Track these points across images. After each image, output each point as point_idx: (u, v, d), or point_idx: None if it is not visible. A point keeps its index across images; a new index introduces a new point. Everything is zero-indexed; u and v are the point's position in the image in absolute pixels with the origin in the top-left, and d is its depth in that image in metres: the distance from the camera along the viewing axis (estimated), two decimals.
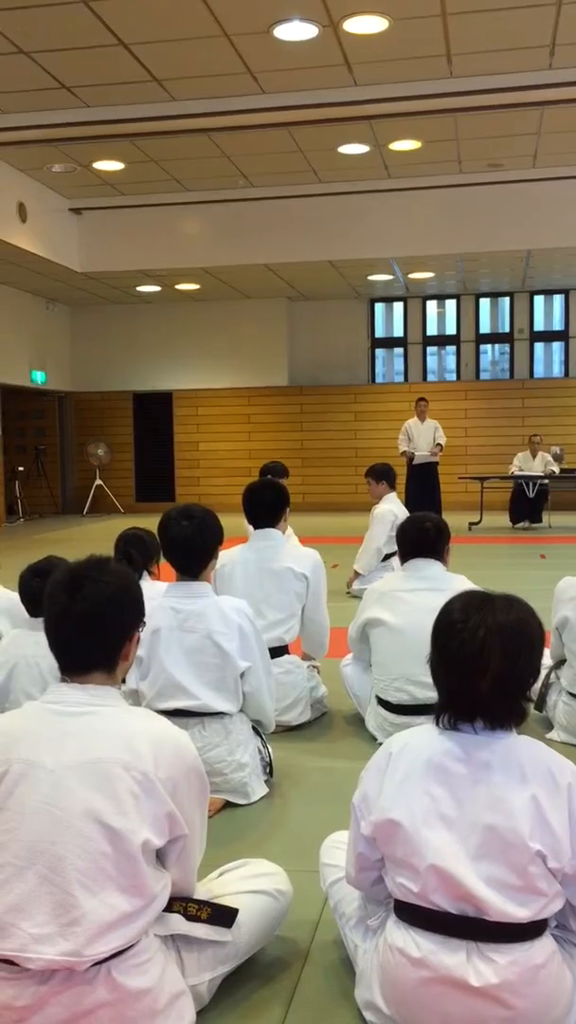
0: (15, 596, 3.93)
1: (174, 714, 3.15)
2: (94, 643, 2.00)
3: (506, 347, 16.29)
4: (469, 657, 1.93)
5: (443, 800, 1.94)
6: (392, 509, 7.23)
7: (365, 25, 7.45)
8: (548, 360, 16.30)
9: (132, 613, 2.06)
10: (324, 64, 8.21)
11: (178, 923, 2.05)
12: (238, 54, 7.97)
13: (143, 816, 1.89)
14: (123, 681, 2.18)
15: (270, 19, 7.32)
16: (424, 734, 2.04)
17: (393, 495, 7.45)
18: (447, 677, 1.99)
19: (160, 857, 1.99)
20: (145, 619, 2.12)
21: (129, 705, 2.07)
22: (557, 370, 16.21)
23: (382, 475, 7.39)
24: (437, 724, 2.01)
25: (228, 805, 3.33)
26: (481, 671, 1.92)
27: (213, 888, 2.25)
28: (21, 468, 15.51)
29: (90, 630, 1.98)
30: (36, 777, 1.89)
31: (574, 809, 1.91)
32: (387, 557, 7.13)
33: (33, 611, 3.35)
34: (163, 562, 4.37)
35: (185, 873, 2.05)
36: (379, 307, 16.53)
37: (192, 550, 3.35)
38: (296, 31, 7.52)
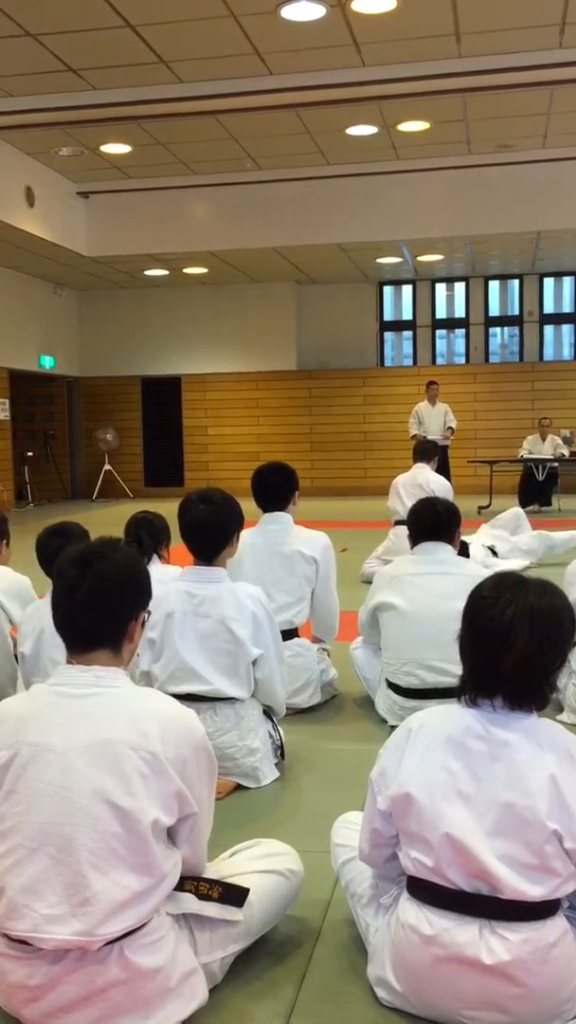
0: (25, 579, 3.96)
1: (186, 699, 3.15)
2: (100, 618, 2.01)
3: (515, 330, 16.20)
4: (495, 634, 1.94)
5: (461, 776, 1.95)
6: (401, 475, 7.53)
7: (373, 4, 7.38)
8: (558, 343, 16.21)
9: (139, 592, 2.07)
10: (332, 44, 8.14)
11: (190, 902, 2.06)
12: (245, 35, 7.91)
13: (152, 796, 1.90)
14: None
15: None
16: (444, 711, 2.06)
17: (420, 466, 7.59)
18: (473, 652, 2.01)
19: (170, 835, 2.00)
20: (152, 604, 2.14)
21: (136, 686, 2.08)
22: (567, 353, 16.13)
23: (418, 454, 7.76)
24: (459, 700, 2.02)
25: (239, 788, 3.34)
26: (506, 648, 1.93)
27: (225, 868, 2.26)
28: (30, 453, 15.53)
29: (98, 604, 2.00)
30: (45, 760, 1.90)
31: None
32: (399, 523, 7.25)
33: (50, 570, 3.37)
34: (174, 546, 4.38)
35: (196, 850, 2.07)
36: (388, 290, 16.45)
37: (207, 534, 3.35)
38: (304, 11, 7.46)
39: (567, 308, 16.04)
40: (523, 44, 8.21)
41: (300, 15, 7.52)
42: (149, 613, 2.13)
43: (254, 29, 7.80)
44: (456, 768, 1.95)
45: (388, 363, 16.55)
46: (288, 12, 7.46)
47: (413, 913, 1.99)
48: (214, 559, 3.37)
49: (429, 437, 12.45)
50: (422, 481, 7.38)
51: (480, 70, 8.51)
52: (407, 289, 16.35)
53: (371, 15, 7.56)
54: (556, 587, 2.04)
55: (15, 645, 3.68)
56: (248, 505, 4.33)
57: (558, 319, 16.07)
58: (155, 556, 4.10)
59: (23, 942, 1.88)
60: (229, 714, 3.31)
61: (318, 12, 7.48)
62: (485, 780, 1.93)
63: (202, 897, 2.08)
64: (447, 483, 7.57)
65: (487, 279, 16.03)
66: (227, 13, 7.48)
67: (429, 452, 7.82)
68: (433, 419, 12.60)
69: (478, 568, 3.94)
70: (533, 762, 1.93)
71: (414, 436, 12.54)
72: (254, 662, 3.32)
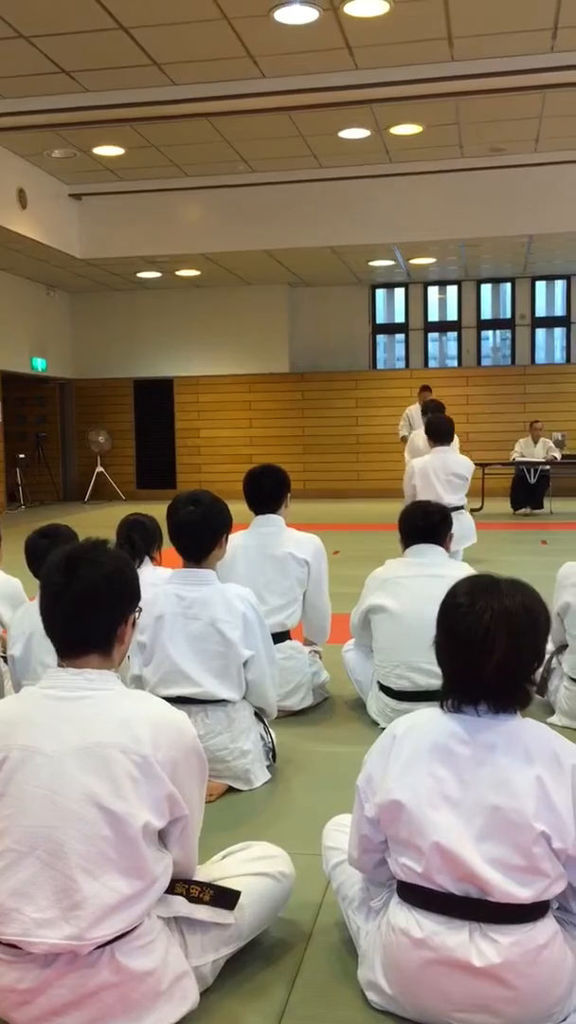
0: (16, 582, 3.96)
1: (177, 701, 3.15)
2: (90, 623, 2.00)
3: (507, 333, 16.24)
4: (474, 640, 1.94)
5: (447, 781, 1.95)
6: (421, 461, 7.09)
7: (366, 8, 7.40)
8: (550, 346, 16.25)
9: (127, 595, 2.06)
10: (325, 48, 8.15)
11: (181, 905, 2.06)
12: (238, 38, 7.92)
13: (142, 799, 1.90)
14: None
15: (270, 2, 7.27)
16: (429, 717, 2.05)
17: (443, 449, 7.20)
18: (452, 660, 2.00)
19: (161, 837, 2.00)
20: (142, 604, 2.13)
21: (126, 688, 2.07)
22: (559, 356, 16.17)
23: (426, 428, 7.31)
24: (442, 707, 2.02)
25: (231, 790, 3.34)
26: (486, 654, 1.93)
27: (216, 871, 2.26)
28: (22, 455, 15.50)
29: (86, 610, 1.99)
30: (35, 763, 1.90)
31: None
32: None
33: (38, 571, 3.38)
34: (167, 548, 4.37)
35: (186, 853, 2.07)
36: (380, 293, 16.47)
37: (196, 536, 3.34)
38: (296, 14, 7.47)
39: (559, 311, 16.07)
40: (515, 48, 8.23)
41: (293, 18, 7.53)
42: (140, 610, 2.12)
43: (247, 32, 7.81)
44: (442, 774, 1.95)
45: (381, 366, 16.57)
46: (281, 15, 7.47)
47: (403, 916, 1.99)
48: (203, 561, 3.37)
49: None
50: (452, 466, 7.10)
51: (472, 74, 8.52)
52: (399, 292, 16.38)
53: (364, 18, 7.57)
54: (526, 584, 2.04)
55: (5, 647, 3.67)
56: (241, 507, 4.34)
57: (550, 322, 16.11)
58: (147, 558, 4.10)
59: (14, 946, 1.88)
60: (220, 716, 3.30)
61: (311, 15, 7.49)
62: (471, 784, 1.93)
63: (193, 900, 2.08)
64: (471, 464, 7.31)
65: (479, 282, 16.07)
66: (220, 16, 7.49)
67: (450, 434, 7.35)
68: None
69: (469, 570, 3.95)
70: (519, 764, 1.93)
71: (403, 438, 12.54)
72: (245, 663, 3.32)
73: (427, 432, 7.31)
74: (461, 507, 7.04)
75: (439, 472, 7.07)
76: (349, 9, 7.39)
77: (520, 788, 1.90)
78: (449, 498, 6.87)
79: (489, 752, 1.94)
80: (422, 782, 1.96)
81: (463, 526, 6.88)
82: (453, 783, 1.94)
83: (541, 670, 4.13)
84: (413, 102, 9.18)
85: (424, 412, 8.07)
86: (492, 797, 1.91)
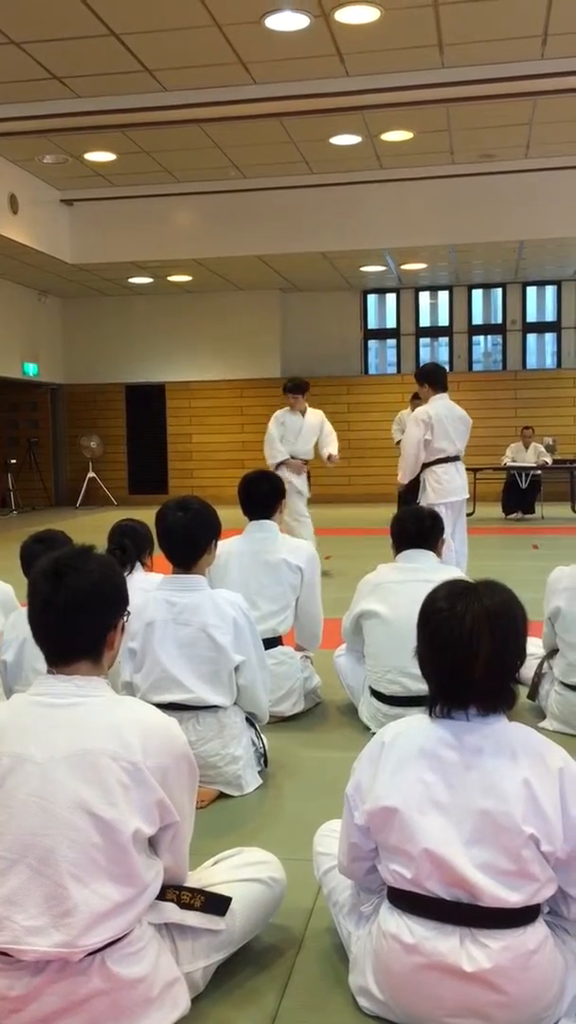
0: (7, 587, 3.95)
1: (168, 708, 3.14)
2: (79, 632, 2.00)
3: (499, 338, 16.29)
4: (460, 644, 1.94)
5: (436, 786, 1.95)
6: (427, 410, 6.55)
7: (357, 15, 7.42)
8: (541, 351, 16.31)
9: (116, 601, 2.06)
10: (316, 54, 8.18)
11: (171, 911, 2.06)
12: (229, 44, 7.94)
13: (133, 805, 1.89)
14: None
15: (261, 9, 7.29)
16: (416, 722, 2.05)
17: (442, 396, 6.65)
18: (439, 666, 2.00)
19: (152, 844, 2.00)
20: (133, 610, 2.13)
21: (117, 695, 2.07)
22: (549, 361, 16.22)
23: (424, 376, 6.73)
24: (431, 715, 2.02)
25: (222, 796, 3.34)
26: (473, 657, 1.93)
27: (207, 876, 2.26)
28: (14, 460, 15.49)
29: (74, 619, 1.98)
30: (25, 770, 1.89)
31: (565, 792, 1.92)
32: (433, 464, 6.59)
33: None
34: (158, 554, 4.37)
35: (177, 859, 2.06)
36: (372, 298, 16.51)
37: (185, 541, 3.34)
38: (288, 21, 7.49)
39: (550, 317, 16.13)
40: (505, 55, 8.27)
41: (284, 25, 7.55)
42: (128, 614, 2.12)
43: (238, 38, 7.82)
44: (431, 779, 1.95)
45: (372, 371, 16.60)
46: (272, 22, 7.49)
47: (394, 922, 1.99)
48: (192, 566, 3.37)
49: None
50: (455, 409, 6.61)
51: (463, 80, 8.56)
52: (391, 297, 16.41)
53: (355, 25, 7.60)
54: (500, 584, 2.06)
55: None
56: (233, 512, 4.35)
57: (541, 328, 16.16)
58: (139, 564, 4.10)
59: (4, 954, 1.88)
60: (212, 722, 3.30)
61: (302, 22, 7.51)
62: (460, 788, 1.93)
63: (184, 906, 2.08)
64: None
65: (470, 288, 16.11)
66: (211, 22, 7.50)
67: (445, 379, 6.80)
68: None
69: (461, 575, 3.96)
70: (506, 768, 1.93)
71: (399, 442, 12.56)
72: (236, 669, 3.32)
73: (427, 379, 6.74)
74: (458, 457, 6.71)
75: (447, 418, 6.61)
76: (340, 16, 7.42)
77: (508, 791, 1.91)
78: (460, 444, 6.63)
79: (476, 756, 1.94)
80: (411, 788, 1.96)
81: (462, 476, 6.69)
82: (441, 788, 1.94)
83: (531, 674, 4.15)
84: (404, 108, 9.21)
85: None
86: (481, 801, 1.91)
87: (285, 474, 7.82)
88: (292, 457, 8.20)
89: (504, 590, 2.03)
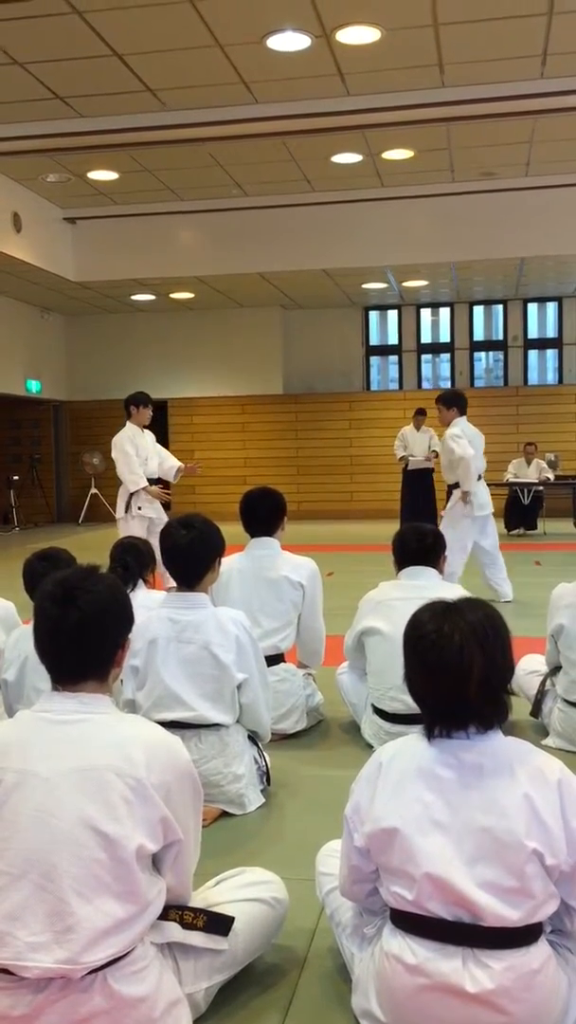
0: (10, 605, 3.95)
1: (171, 726, 3.14)
2: (88, 653, 2.00)
3: (500, 354, 16.32)
4: (452, 665, 1.93)
5: (435, 806, 1.94)
6: (461, 429, 7.19)
7: (358, 35, 7.48)
8: (542, 367, 16.34)
9: (123, 621, 2.07)
10: (317, 74, 8.24)
11: (174, 931, 2.05)
12: (231, 64, 8.00)
13: (137, 822, 1.89)
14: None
15: (263, 29, 7.35)
16: (413, 742, 2.04)
17: (463, 420, 7.33)
18: (433, 689, 1.98)
19: (155, 863, 2.00)
20: (136, 628, 2.13)
21: (121, 712, 2.07)
22: (551, 377, 16.25)
23: (453, 400, 7.37)
24: (429, 739, 2.00)
25: (225, 815, 3.33)
26: (466, 676, 1.92)
27: (210, 896, 2.25)
28: (16, 477, 15.50)
29: (85, 640, 1.99)
30: (30, 786, 1.89)
31: (565, 805, 1.91)
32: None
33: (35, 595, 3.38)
34: (159, 571, 4.37)
35: (181, 878, 2.06)
36: (373, 315, 16.56)
37: (189, 560, 3.35)
38: (289, 41, 7.55)
39: (551, 333, 16.17)
40: (505, 75, 8.33)
41: (286, 45, 7.62)
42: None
43: (240, 59, 7.89)
44: (430, 799, 1.94)
45: (374, 387, 16.63)
46: (274, 42, 7.55)
47: (397, 943, 1.98)
48: (196, 585, 3.37)
49: (412, 459, 12.50)
50: (479, 432, 7.35)
51: (463, 100, 8.62)
52: (392, 314, 16.47)
53: (355, 46, 7.66)
54: (478, 598, 2.08)
55: None
56: (235, 529, 4.35)
57: (542, 344, 16.20)
58: (141, 581, 4.10)
59: (6, 971, 1.87)
60: (214, 741, 3.29)
61: (303, 43, 7.58)
62: (460, 807, 1.92)
63: (187, 926, 2.07)
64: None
65: (472, 304, 16.16)
66: (213, 43, 7.57)
67: (467, 405, 7.48)
68: (418, 443, 12.67)
69: (464, 593, 3.95)
70: (506, 783, 1.92)
71: (401, 458, 12.59)
72: (238, 687, 3.31)
73: (455, 404, 7.39)
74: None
75: (475, 436, 7.33)
76: (341, 36, 7.48)
77: (509, 807, 1.90)
78: (480, 463, 7.31)
79: (475, 774, 1.93)
80: (410, 809, 1.94)
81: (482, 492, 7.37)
82: (441, 807, 1.93)
83: (535, 693, 4.14)
84: (405, 127, 9.27)
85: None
86: (482, 819, 1.90)
87: None
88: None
89: (484, 605, 2.03)
